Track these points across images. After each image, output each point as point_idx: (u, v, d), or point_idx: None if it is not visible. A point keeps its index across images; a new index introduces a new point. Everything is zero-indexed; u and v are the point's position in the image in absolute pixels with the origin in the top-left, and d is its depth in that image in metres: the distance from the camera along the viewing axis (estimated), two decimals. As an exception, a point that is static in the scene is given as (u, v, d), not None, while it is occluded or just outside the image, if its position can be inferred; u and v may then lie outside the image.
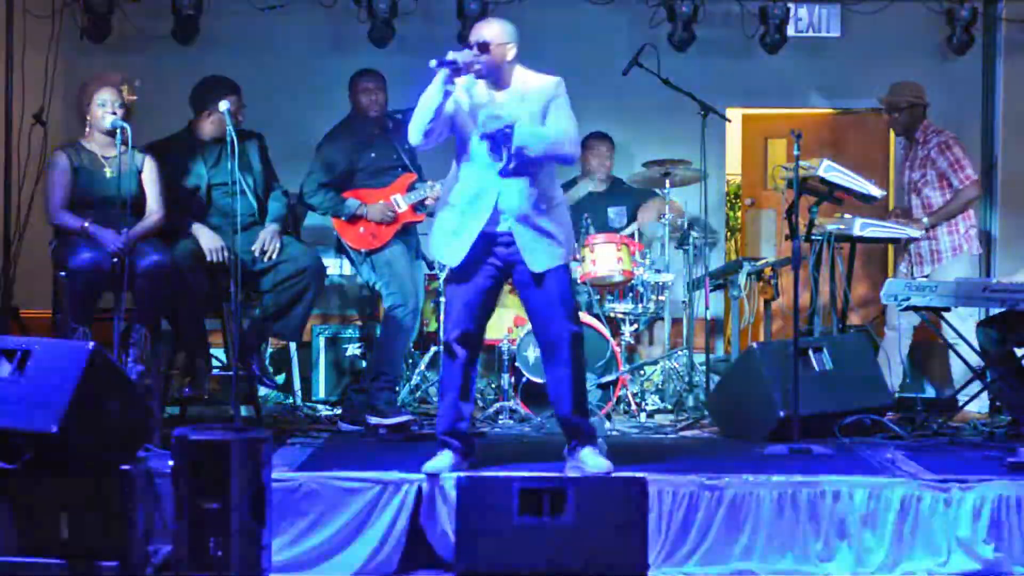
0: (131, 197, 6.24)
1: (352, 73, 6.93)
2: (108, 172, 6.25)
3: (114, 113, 6.23)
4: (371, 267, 6.69)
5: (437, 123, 5.32)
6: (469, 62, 5.31)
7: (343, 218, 6.67)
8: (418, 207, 6.73)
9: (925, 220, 7.35)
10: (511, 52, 5.43)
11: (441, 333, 6.33)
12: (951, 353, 7.04)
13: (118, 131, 6.13)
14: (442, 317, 7.42)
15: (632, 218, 7.98)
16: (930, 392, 7.84)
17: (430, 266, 7.59)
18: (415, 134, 5.36)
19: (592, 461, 5.44)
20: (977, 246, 7.48)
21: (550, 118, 5.40)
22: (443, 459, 5.47)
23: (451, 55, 5.28)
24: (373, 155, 6.72)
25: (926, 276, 7.22)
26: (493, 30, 5.42)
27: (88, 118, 6.28)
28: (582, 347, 5.56)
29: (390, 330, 6.63)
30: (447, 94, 5.28)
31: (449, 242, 5.46)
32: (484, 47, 5.37)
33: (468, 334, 5.52)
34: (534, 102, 5.40)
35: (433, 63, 5.25)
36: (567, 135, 5.40)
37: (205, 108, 6.56)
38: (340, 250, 6.87)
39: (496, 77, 5.42)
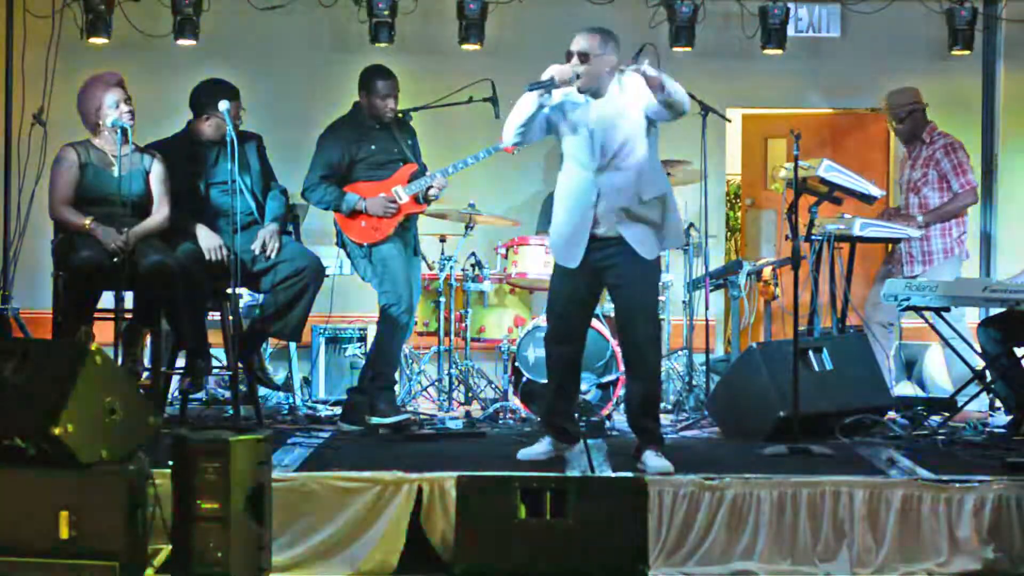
0: (137, 197, 6.24)
1: (366, 67, 6.85)
2: (115, 171, 6.26)
3: (124, 112, 6.23)
4: (369, 262, 6.67)
5: (530, 129, 5.53)
6: (568, 79, 5.44)
7: (344, 213, 6.66)
8: (419, 198, 6.72)
9: (920, 218, 7.37)
10: (611, 63, 5.52)
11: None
12: (949, 353, 7.05)
13: (119, 131, 6.13)
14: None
15: None
16: (927, 392, 7.84)
17: (429, 266, 7.59)
18: (509, 135, 5.57)
19: (651, 462, 5.52)
20: (967, 251, 7.52)
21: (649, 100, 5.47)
22: (539, 446, 5.79)
23: (549, 72, 5.42)
24: (373, 147, 6.70)
25: (915, 277, 7.24)
26: (593, 41, 5.49)
27: (100, 122, 6.27)
28: (659, 353, 5.80)
29: (386, 329, 6.63)
30: (542, 105, 5.47)
31: (565, 245, 5.64)
32: (584, 58, 5.46)
33: (569, 326, 5.74)
34: (629, 100, 5.50)
35: (528, 88, 5.43)
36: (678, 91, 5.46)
37: (204, 111, 6.56)
38: (341, 245, 6.86)
39: (595, 87, 5.52)
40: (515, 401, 7.12)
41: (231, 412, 6.22)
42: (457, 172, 6.79)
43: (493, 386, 7.54)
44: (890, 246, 7.61)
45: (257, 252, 6.50)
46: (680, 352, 7.62)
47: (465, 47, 8.45)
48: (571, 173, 5.63)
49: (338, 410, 7.13)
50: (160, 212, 6.35)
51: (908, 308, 6.67)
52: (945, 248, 7.36)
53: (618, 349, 7.18)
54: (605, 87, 5.54)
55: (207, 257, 6.41)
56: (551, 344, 5.82)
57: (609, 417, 6.85)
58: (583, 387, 6.94)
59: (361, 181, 6.66)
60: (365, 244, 6.64)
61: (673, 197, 5.76)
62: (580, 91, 5.52)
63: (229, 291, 6.21)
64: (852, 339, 7.00)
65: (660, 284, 7.59)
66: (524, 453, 5.80)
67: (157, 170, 6.36)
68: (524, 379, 7.15)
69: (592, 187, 5.54)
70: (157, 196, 6.35)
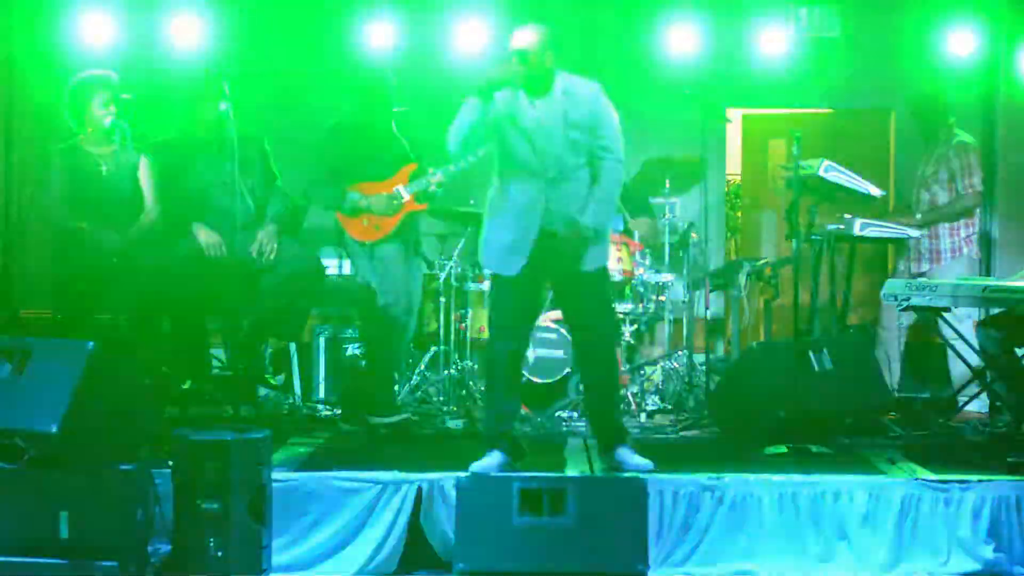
0: (127, 195, 6.24)
1: (365, 69, 6.90)
2: (104, 171, 6.26)
3: (112, 113, 6.23)
4: (370, 261, 6.66)
5: (473, 136, 5.39)
6: (507, 77, 5.33)
7: (346, 213, 6.66)
8: (420, 196, 6.72)
9: (918, 216, 7.37)
10: (550, 58, 5.43)
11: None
12: (950, 353, 7.05)
13: (117, 130, 6.14)
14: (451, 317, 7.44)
15: (626, 226, 7.99)
16: (927, 392, 7.83)
17: (430, 266, 7.59)
18: (455, 145, 5.44)
19: (631, 460, 5.47)
20: (976, 251, 7.51)
21: (598, 131, 5.44)
22: (491, 459, 5.48)
23: (488, 75, 5.32)
24: (373, 147, 6.70)
25: (922, 274, 7.24)
26: (530, 38, 5.38)
27: (86, 118, 6.28)
28: (615, 349, 5.69)
29: (384, 329, 6.63)
30: (486, 110, 5.33)
31: (505, 256, 5.48)
32: (523, 56, 5.36)
33: (518, 338, 5.58)
34: (577, 110, 5.42)
35: (470, 96, 5.32)
36: (619, 167, 5.50)
37: (195, 104, 6.62)
38: (341, 245, 6.85)
39: (536, 85, 5.42)
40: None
41: (231, 412, 6.21)
42: (458, 170, 6.79)
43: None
44: (890, 246, 7.60)
45: (255, 254, 6.50)
46: (680, 352, 7.61)
47: (465, 47, 8.45)
48: (514, 181, 5.46)
49: (338, 410, 7.13)
50: (153, 211, 6.35)
51: (908, 308, 6.68)
52: (953, 247, 7.36)
53: (618, 349, 7.18)
54: (548, 87, 5.44)
55: (207, 254, 6.41)
56: (498, 345, 5.56)
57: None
58: (582, 387, 6.94)
59: (362, 181, 6.66)
60: (367, 243, 6.63)
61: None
62: (519, 87, 5.40)
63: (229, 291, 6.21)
64: (852, 339, 7.00)
65: (662, 285, 7.65)
66: (476, 466, 5.47)
67: (145, 167, 6.35)
68: (524, 379, 7.13)
69: (539, 196, 5.42)
70: (147, 193, 6.34)
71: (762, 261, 7.86)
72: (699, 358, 7.56)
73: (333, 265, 7.66)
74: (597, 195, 5.46)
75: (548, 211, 5.42)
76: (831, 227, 7.17)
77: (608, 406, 5.62)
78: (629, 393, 7.33)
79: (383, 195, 6.63)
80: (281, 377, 7.66)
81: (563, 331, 7.24)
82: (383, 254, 6.63)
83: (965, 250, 7.39)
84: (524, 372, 7.08)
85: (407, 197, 6.67)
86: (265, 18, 8.40)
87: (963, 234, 7.39)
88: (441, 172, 6.69)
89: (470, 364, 7.49)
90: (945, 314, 6.79)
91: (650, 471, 5.39)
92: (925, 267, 7.38)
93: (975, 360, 6.84)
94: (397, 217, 6.64)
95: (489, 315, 5.67)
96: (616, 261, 7.32)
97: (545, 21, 5.58)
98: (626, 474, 5.40)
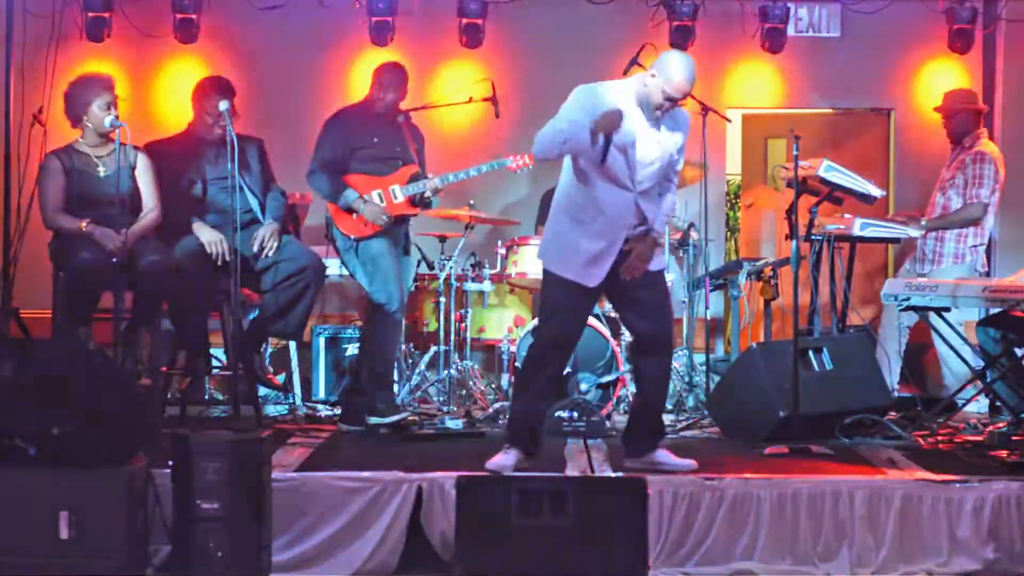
0: (127, 195, 6.24)
1: (377, 64, 6.91)
2: (101, 171, 6.26)
3: (111, 113, 6.23)
4: (356, 257, 6.64)
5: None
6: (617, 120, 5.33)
7: (339, 206, 6.63)
8: (415, 200, 6.70)
9: (923, 221, 7.37)
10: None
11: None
12: (942, 356, 7.05)
13: (117, 130, 6.14)
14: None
15: None
16: (927, 392, 7.84)
17: (430, 266, 7.59)
18: (546, 155, 5.36)
19: (679, 462, 5.57)
20: (983, 262, 7.49)
21: (677, 155, 5.61)
22: (507, 457, 5.51)
23: (607, 125, 5.27)
24: (376, 140, 6.66)
25: (924, 275, 7.24)
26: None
27: (85, 119, 6.28)
28: None
29: (379, 329, 6.61)
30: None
31: (590, 266, 5.46)
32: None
33: (570, 340, 5.64)
34: (672, 136, 5.55)
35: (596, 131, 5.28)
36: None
37: (199, 110, 6.56)
38: (330, 238, 6.79)
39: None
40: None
41: (231, 412, 6.22)
42: (458, 181, 6.79)
43: (493, 386, 7.54)
44: (890, 246, 7.61)
45: (255, 250, 6.50)
46: (680, 352, 7.61)
47: (465, 47, 8.45)
48: (605, 190, 5.42)
49: (338, 410, 7.13)
50: (154, 210, 6.34)
51: (908, 308, 6.68)
52: (956, 252, 7.36)
53: (618, 349, 7.19)
54: None
55: (208, 251, 6.40)
56: (554, 352, 5.59)
57: (609, 417, 6.84)
58: (583, 387, 6.95)
59: (358, 174, 6.62)
60: (352, 237, 6.61)
61: None
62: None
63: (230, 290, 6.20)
64: (852, 339, 7.00)
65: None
66: (492, 463, 5.52)
67: (143, 166, 6.35)
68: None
69: (630, 208, 5.44)
70: (146, 193, 6.34)
71: (762, 261, 7.86)
72: (699, 358, 7.56)
73: (334, 265, 7.67)
74: (665, 209, 5.62)
75: (637, 219, 5.47)
76: (831, 227, 7.17)
77: (662, 405, 5.75)
78: (629, 393, 7.33)
79: (379, 208, 6.57)
80: (281, 377, 7.67)
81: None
82: (372, 252, 6.58)
83: (969, 258, 7.37)
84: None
85: (401, 199, 6.65)
86: (265, 17, 8.39)
87: (970, 242, 7.38)
88: (440, 180, 6.68)
89: (470, 364, 7.49)
90: (945, 314, 6.81)
91: (693, 470, 5.48)
92: (927, 268, 7.38)
93: (975, 360, 6.84)
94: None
95: (547, 317, 5.62)
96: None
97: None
98: (625, 474, 5.40)
